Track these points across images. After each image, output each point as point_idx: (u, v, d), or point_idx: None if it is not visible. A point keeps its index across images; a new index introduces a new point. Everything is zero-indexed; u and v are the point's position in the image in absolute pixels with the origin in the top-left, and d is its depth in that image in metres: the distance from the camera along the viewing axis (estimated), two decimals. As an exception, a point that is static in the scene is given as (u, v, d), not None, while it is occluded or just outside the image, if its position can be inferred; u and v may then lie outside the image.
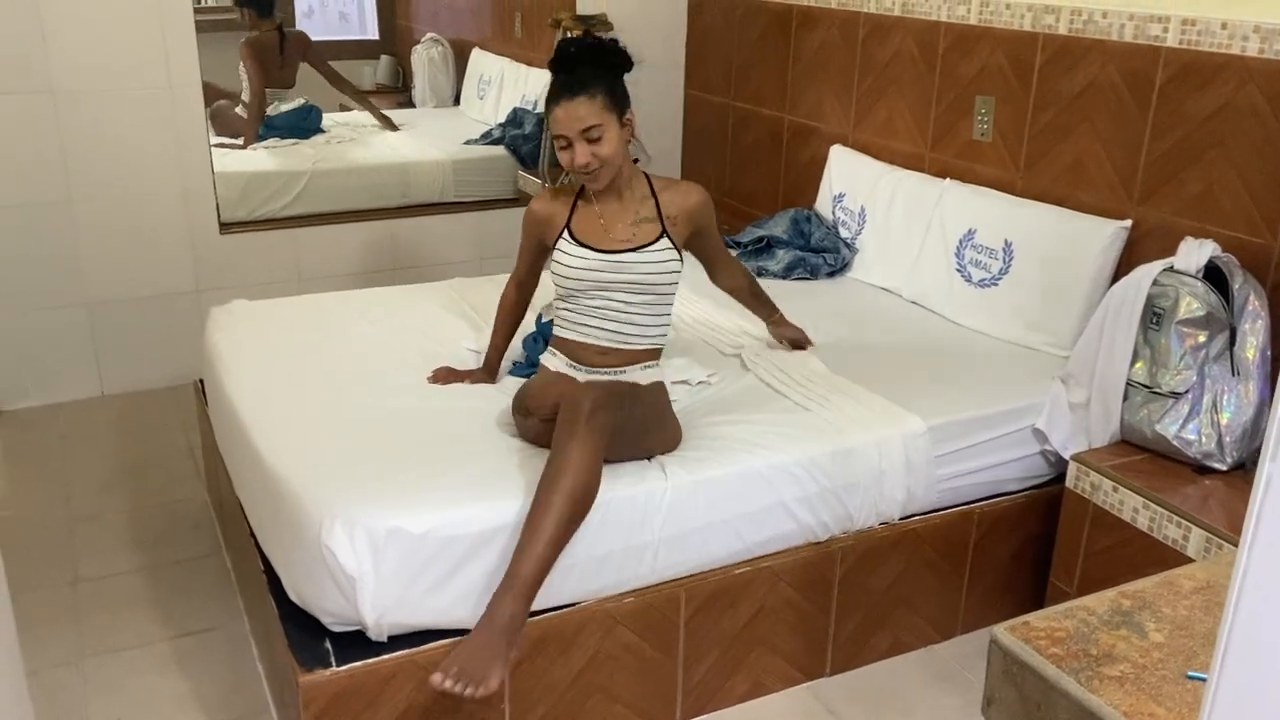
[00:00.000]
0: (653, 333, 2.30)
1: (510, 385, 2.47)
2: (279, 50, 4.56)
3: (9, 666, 1.42)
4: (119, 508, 3.01)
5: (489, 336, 2.59)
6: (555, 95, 2.15)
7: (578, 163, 2.14)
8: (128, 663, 2.38)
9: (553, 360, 2.32)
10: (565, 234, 2.27)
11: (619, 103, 2.16)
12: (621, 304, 2.24)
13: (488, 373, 2.50)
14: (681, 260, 2.29)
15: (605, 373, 2.26)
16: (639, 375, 2.28)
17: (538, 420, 2.16)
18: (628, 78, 2.22)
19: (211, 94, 4.11)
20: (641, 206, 2.27)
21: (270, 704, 2.25)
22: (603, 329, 2.26)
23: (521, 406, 2.23)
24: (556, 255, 2.27)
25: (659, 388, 2.28)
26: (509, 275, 2.53)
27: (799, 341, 2.69)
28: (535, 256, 2.42)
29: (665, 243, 2.25)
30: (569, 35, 2.25)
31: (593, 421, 1.97)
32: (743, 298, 2.64)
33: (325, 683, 1.88)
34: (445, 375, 2.49)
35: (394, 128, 4.82)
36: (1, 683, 1.34)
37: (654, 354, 2.33)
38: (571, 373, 2.28)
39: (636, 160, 2.31)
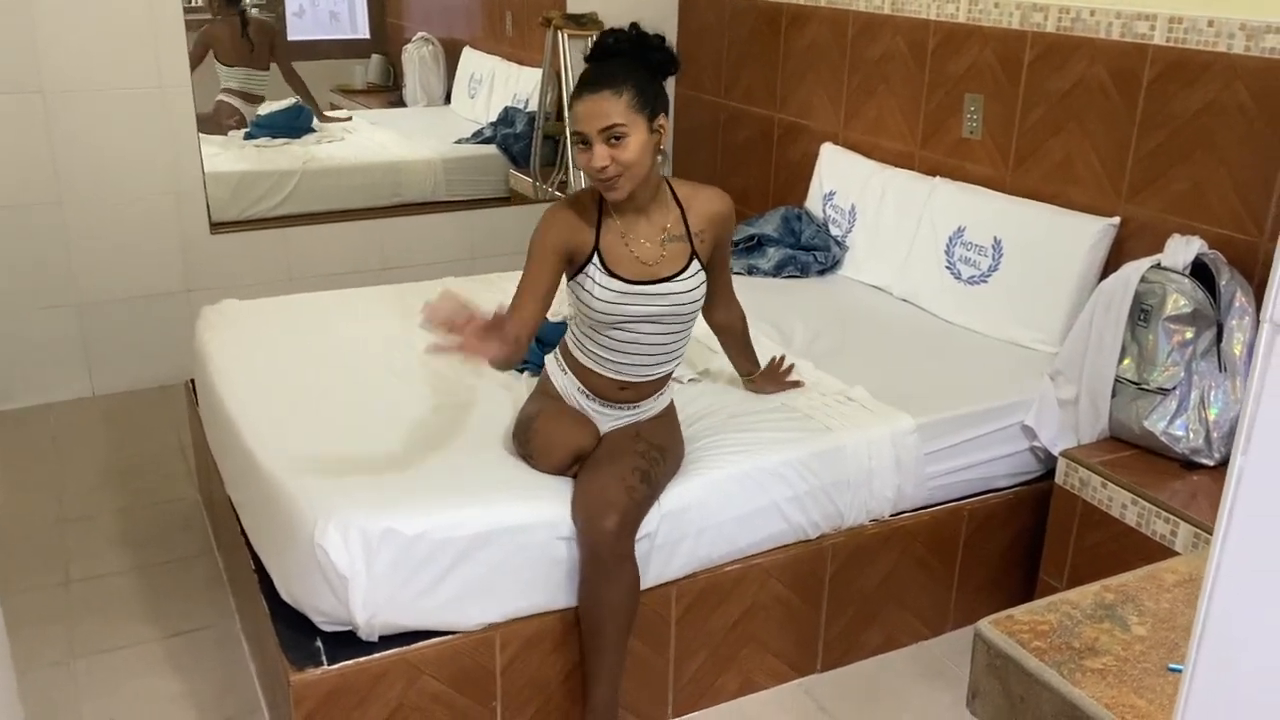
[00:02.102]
0: (674, 358, 2.17)
1: (504, 380, 2.48)
2: (241, 34, 4.56)
3: (0, 667, 1.42)
4: (110, 508, 3.01)
5: None
6: (578, 88, 1.94)
7: (594, 165, 1.91)
8: (120, 663, 2.38)
9: (563, 380, 2.17)
10: (595, 259, 2.02)
11: (650, 104, 1.94)
12: (648, 334, 2.07)
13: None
14: (707, 276, 2.14)
15: (622, 409, 2.16)
16: (653, 404, 2.20)
17: (542, 465, 2.10)
18: None
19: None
20: (668, 220, 2.07)
21: (262, 703, 2.25)
22: (625, 363, 2.09)
23: (524, 445, 2.12)
24: (583, 282, 2.03)
25: (672, 419, 2.23)
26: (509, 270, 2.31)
27: (781, 385, 2.48)
28: (554, 277, 2.04)
29: (695, 266, 2.07)
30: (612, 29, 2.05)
31: (619, 546, 1.94)
32: (731, 342, 2.42)
33: (316, 681, 1.88)
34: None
35: (325, 117, 4.84)
36: (-9, 683, 1.34)
37: (669, 377, 2.22)
38: (583, 400, 2.15)
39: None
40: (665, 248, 2.06)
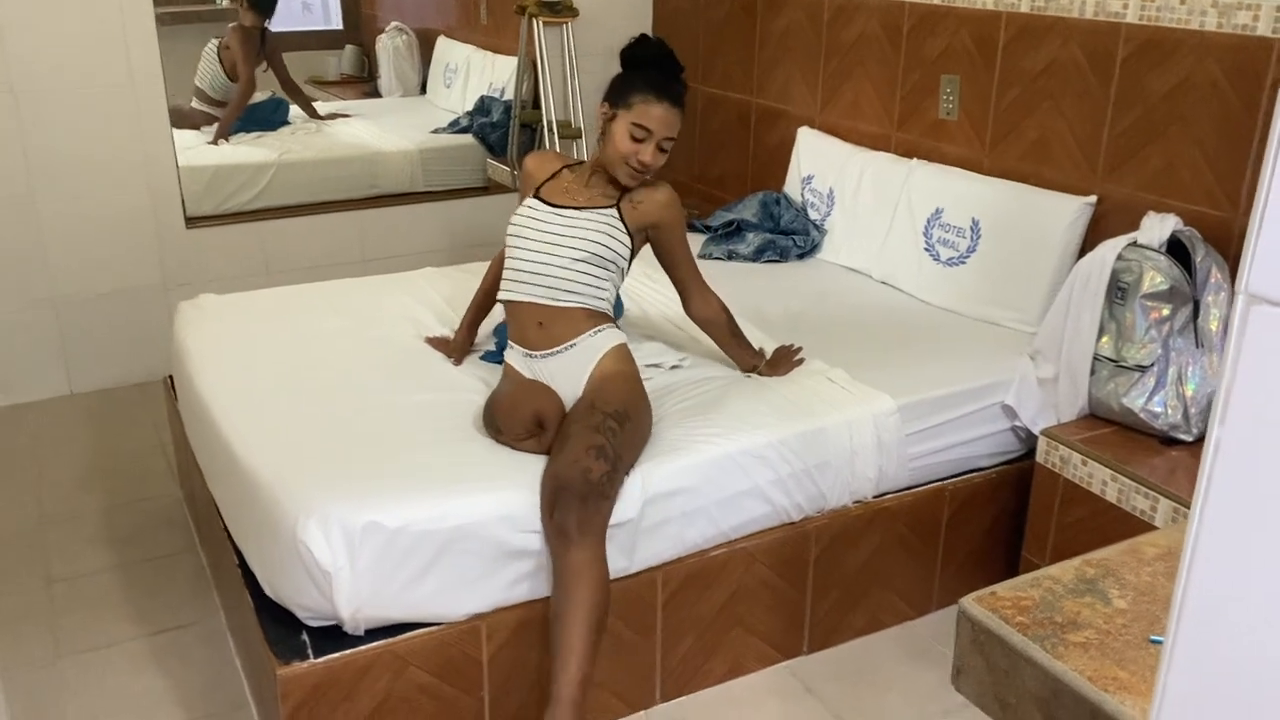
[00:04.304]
0: (590, 294, 2.25)
1: (483, 371, 2.47)
2: (260, 47, 4.48)
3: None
4: (91, 507, 2.99)
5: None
6: (658, 91, 2.21)
7: (643, 159, 2.21)
8: (104, 661, 2.37)
9: (512, 354, 2.32)
10: (533, 193, 2.34)
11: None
12: (549, 255, 2.24)
13: (456, 348, 2.56)
14: (629, 241, 2.27)
15: (559, 351, 2.23)
16: (593, 342, 2.23)
17: (511, 440, 2.12)
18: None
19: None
20: (609, 188, 2.31)
21: (249, 698, 2.25)
22: (532, 284, 2.24)
23: (492, 423, 2.18)
24: (519, 209, 2.33)
25: (628, 377, 2.22)
26: (489, 260, 2.56)
27: (790, 367, 2.51)
28: None
29: (613, 213, 2.27)
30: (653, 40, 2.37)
31: (586, 515, 1.93)
32: (720, 335, 2.46)
33: (303, 675, 1.88)
34: (436, 342, 2.61)
35: (317, 115, 4.74)
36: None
37: (600, 317, 2.27)
38: (528, 362, 2.27)
39: None
40: (595, 198, 2.31)
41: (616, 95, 2.25)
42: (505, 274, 2.31)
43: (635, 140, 2.21)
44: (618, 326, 2.33)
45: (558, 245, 2.25)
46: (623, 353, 2.26)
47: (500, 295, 2.33)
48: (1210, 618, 0.64)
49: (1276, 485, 0.60)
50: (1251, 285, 0.58)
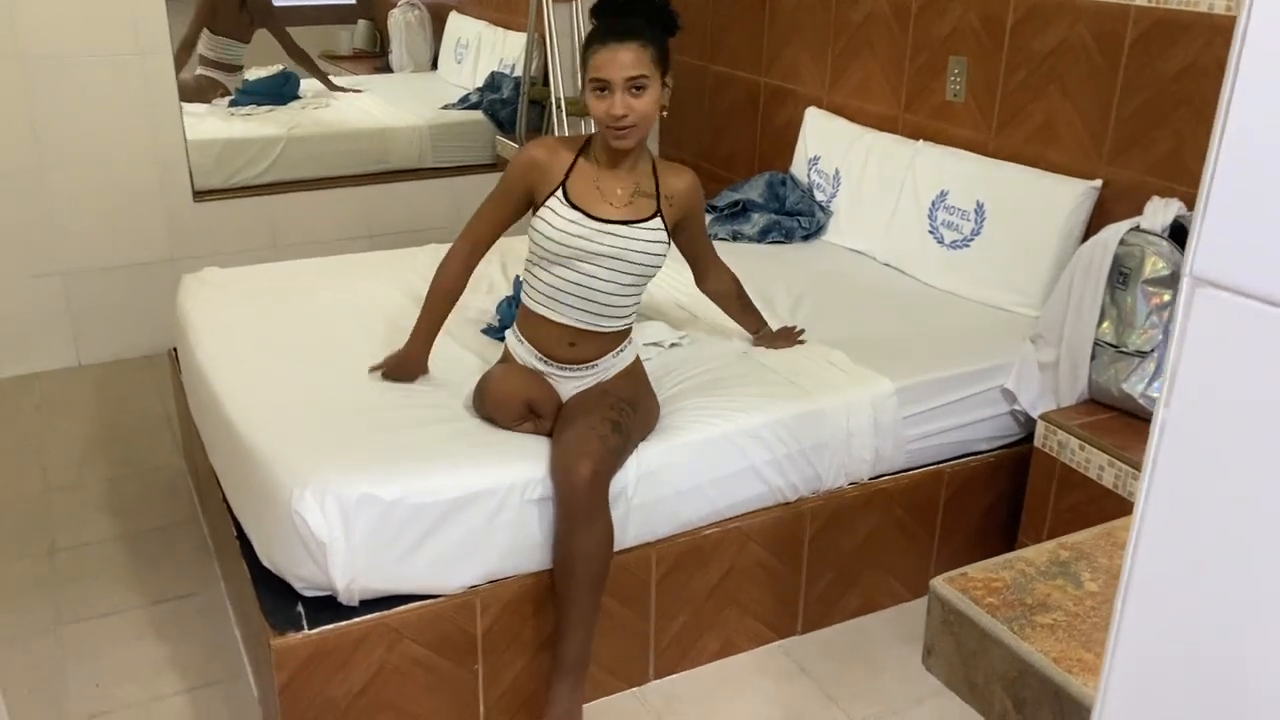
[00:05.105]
0: (624, 314, 2.17)
1: (481, 345, 2.48)
2: (241, 4, 4.48)
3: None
4: (96, 476, 3.02)
5: (475, 306, 2.58)
6: (602, 36, 2.00)
7: (613, 112, 1.99)
8: (106, 629, 2.40)
9: (519, 348, 2.20)
10: (560, 192, 2.09)
11: (664, 61, 2.04)
12: (600, 280, 2.09)
13: (415, 369, 2.28)
14: (668, 245, 2.18)
15: (578, 370, 2.17)
16: (612, 363, 2.19)
17: (506, 426, 2.11)
18: None
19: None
20: (642, 179, 2.15)
21: (247, 667, 2.27)
22: (574, 306, 2.11)
23: (481, 403, 2.14)
24: (544, 214, 2.09)
25: (639, 377, 2.23)
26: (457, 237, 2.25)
27: (790, 342, 2.55)
28: (514, 210, 2.17)
29: (658, 222, 2.12)
30: None
31: (593, 494, 1.95)
32: (729, 305, 2.49)
33: (297, 645, 1.90)
34: (391, 368, 2.31)
35: (334, 87, 4.73)
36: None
37: (624, 335, 2.21)
38: (541, 367, 2.18)
39: None
40: (633, 199, 2.13)
41: (580, 63, 2.09)
42: (537, 285, 2.13)
43: (599, 92, 2.01)
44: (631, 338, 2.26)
45: (608, 268, 2.09)
46: (636, 362, 2.26)
47: (530, 305, 2.16)
48: (1155, 599, 0.65)
49: (1220, 467, 0.60)
50: (1197, 268, 0.58)
